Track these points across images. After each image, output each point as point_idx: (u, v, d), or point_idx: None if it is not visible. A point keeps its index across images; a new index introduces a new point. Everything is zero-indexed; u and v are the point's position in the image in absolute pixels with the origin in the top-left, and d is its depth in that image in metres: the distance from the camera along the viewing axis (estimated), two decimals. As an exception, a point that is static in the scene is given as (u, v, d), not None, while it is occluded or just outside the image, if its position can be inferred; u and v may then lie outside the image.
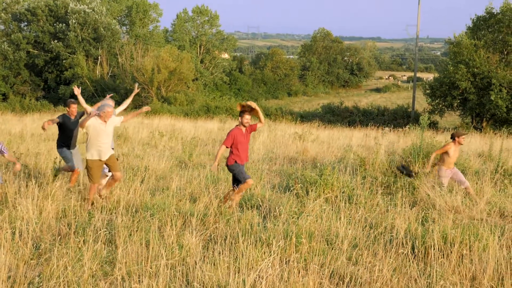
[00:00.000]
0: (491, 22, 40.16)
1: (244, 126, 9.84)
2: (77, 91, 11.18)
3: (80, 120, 10.70)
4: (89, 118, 9.67)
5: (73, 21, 56.63)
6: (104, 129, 9.78)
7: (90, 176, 9.75)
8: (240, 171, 9.77)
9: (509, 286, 6.31)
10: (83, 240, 7.17)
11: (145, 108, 10.46)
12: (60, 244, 7.16)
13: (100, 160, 9.77)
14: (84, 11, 57.24)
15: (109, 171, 10.37)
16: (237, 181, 9.98)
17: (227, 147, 9.83)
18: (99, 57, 58.09)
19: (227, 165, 9.91)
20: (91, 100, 51.80)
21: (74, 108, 11.42)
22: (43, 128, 10.61)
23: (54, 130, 23.22)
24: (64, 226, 8.16)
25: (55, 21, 58.08)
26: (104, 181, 10.63)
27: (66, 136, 11.26)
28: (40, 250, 7.22)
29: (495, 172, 12.93)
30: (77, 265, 6.51)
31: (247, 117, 9.85)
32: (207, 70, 73.86)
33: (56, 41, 56.84)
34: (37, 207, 8.89)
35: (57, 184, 10.03)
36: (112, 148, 10.62)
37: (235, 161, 9.80)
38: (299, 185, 11.07)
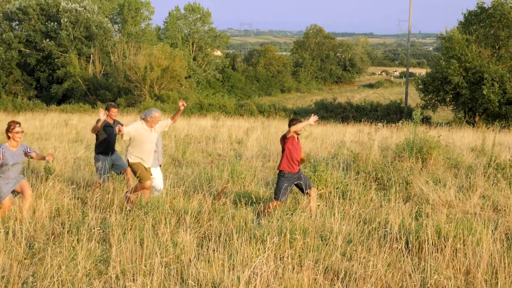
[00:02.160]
0: (482, 17, 40.24)
1: (298, 134, 9.51)
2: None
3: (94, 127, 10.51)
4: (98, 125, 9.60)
5: (65, 19, 56.37)
6: (149, 136, 9.53)
7: (140, 177, 9.46)
8: (280, 188, 9.28)
9: (503, 279, 6.33)
10: (77, 239, 7.16)
11: (182, 104, 10.05)
12: (54, 244, 7.14)
13: (143, 164, 9.54)
14: (75, 10, 56.98)
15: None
16: (300, 189, 9.64)
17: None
18: (92, 56, 57.84)
19: (279, 171, 9.53)
20: (83, 99, 51.67)
21: (114, 112, 11.11)
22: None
23: (48, 130, 23.19)
24: (57, 225, 8.14)
25: (46, 20, 57.80)
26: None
27: (103, 141, 10.86)
28: (34, 250, 7.20)
29: (488, 166, 12.97)
30: (71, 264, 6.49)
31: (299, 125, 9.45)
32: (200, 68, 73.73)
33: (48, 40, 56.57)
34: (31, 207, 8.87)
35: (50, 184, 9.99)
36: (160, 165, 10.52)
37: (289, 171, 9.35)
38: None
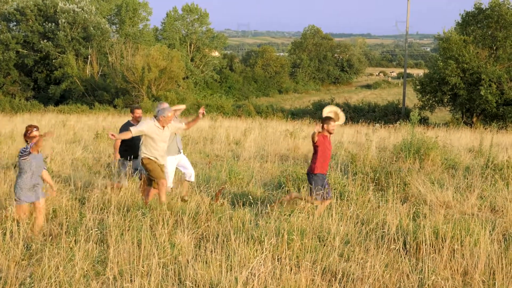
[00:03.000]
0: (480, 17, 40.31)
1: (330, 133, 9.53)
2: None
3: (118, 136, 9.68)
4: (121, 137, 9.44)
5: (63, 20, 56.32)
6: (161, 134, 9.36)
7: (154, 176, 9.26)
8: (318, 188, 9.27)
9: (501, 280, 6.34)
10: (75, 240, 7.15)
11: (201, 112, 9.90)
12: (51, 245, 7.13)
13: (157, 161, 9.39)
14: (73, 10, 56.93)
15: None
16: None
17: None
18: (89, 57, 57.80)
19: (308, 173, 9.49)
20: (81, 100, 51.62)
21: (138, 113, 10.96)
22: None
23: (46, 130, 23.13)
24: (55, 226, 8.13)
25: (44, 21, 57.74)
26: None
27: (128, 144, 10.68)
28: (31, 251, 7.20)
29: (486, 167, 12.99)
30: (68, 265, 6.48)
31: (332, 124, 9.50)
32: (197, 68, 73.70)
33: (45, 40, 56.52)
34: (28, 208, 8.85)
35: (47, 185, 9.97)
36: (180, 151, 10.41)
37: (320, 172, 9.38)
38: (291, 182, 11.09)
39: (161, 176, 9.26)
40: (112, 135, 8.94)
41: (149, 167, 9.31)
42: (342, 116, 9.88)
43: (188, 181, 10.56)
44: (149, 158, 9.32)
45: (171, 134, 9.87)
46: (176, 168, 10.57)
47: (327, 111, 9.95)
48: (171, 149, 10.14)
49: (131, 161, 10.66)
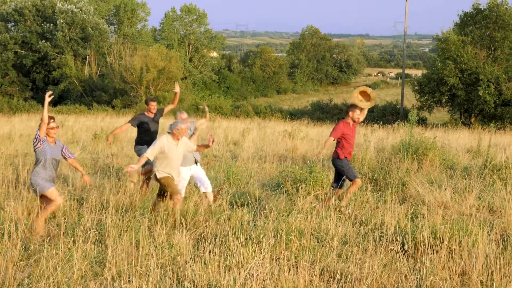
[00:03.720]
0: (478, 18, 40.36)
1: (354, 121, 9.54)
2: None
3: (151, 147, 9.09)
4: (139, 164, 8.94)
5: (61, 20, 56.29)
6: (176, 150, 8.94)
7: (170, 192, 8.86)
8: (350, 168, 9.49)
9: (499, 280, 6.34)
10: (73, 241, 7.15)
11: (211, 141, 9.53)
12: (49, 245, 7.13)
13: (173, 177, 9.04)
14: (71, 11, 56.91)
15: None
16: (339, 178, 9.75)
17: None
18: (87, 57, 57.81)
19: (334, 159, 9.58)
20: (79, 100, 51.59)
21: (153, 106, 10.96)
22: (109, 143, 10.50)
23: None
24: (53, 227, 8.12)
25: (42, 21, 57.72)
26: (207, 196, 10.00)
27: (146, 135, 10.76)
28: (29, 251, 7.18)
29: (484, 168, 13.00)
30: (66, 265, 6.48)
31: (358, 112, 9.51)
32: (196, 69, 73.73)
33: (43, 41, 56.49)
34: (26, 208, 8.85)
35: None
36: (196, 162, 10.10)
37: (345, 156, 9.51)
38: (289, 183, 11.08)
39: (177, 192, 8.92)
40: (131, 167, 8.68)
41: (164, 182, 8.90)
42: (373, 96, 9.70)
43: (205, 192, 10.09)
44: (163, 176, 8.95)
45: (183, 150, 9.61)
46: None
47: (356, 93, 9.80)
48: (187, 160, 9.79)
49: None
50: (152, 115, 10.94)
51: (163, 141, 8.86)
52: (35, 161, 8.32)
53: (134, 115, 11.21)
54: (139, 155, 10.70)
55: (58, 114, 37.94)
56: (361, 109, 9.62)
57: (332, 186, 10.13)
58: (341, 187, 9.83)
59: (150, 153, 8.77)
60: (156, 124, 11.04)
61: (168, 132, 9.01)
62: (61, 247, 6.91)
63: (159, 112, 11.16)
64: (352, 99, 9.60)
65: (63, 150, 8.62)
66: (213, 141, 9.54)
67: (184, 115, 9.89)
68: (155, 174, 8.99)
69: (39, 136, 8.17)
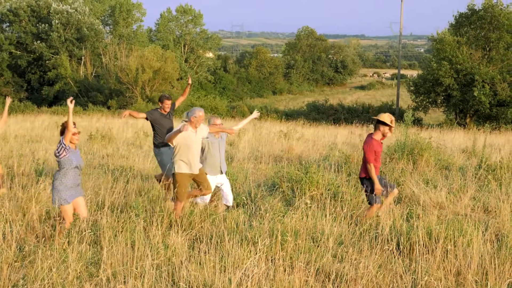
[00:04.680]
0: (473, 19, 40.45)
1: (383, 136, 9.30)
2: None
3: (167, 136, 9.04)
4: (176, 133, 8.69)
5: (56, 21, 56.22)
6: (195, 138, 8.92)
7: (177, 192, 8.83)
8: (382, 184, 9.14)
9: (493, 280, 6.36)
10: (68, 242, 7.13)
11: (230, 130, 9.67)
12: (44, 246, 7.11)
13: (189, 173, 8.93)
14: (67, 11, 56.84)
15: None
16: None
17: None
18: (83, 58, 57.74)
19: (362, 178, 9.26)
20: (75, 101, 51.40)
21: (167, 104, 10.75)
22: (124, 116, 10.25)
23: (38, 132, 23.10)
24: (48, 227, 8.10)
25: (37, 22, 57.62)
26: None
27: (160, 134, 10.59)
28: (24, 252, 7.17)
29: (479, 168, 13.03)
30: (62, 266, 6.46)
31: (388, 128, 9.22)
32: (191, 69, 73.68)
33: (39, 41, 56.40)
34: (21, 209, 8.83)
35: (41, 186, 9.96)
36: (222, 172, 9.85)
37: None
38: (285, 183, 11.09)
39: (183, 198, 8.87)
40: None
41: (178, 180, 8.87)
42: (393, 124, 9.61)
43: (225, 205, 9.85)
44: (180, 172, 8.87)
45: (223, 140, 9.78)
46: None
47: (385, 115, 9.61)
48: (213, 168, 9.66)
49: (172, 148, 10.28)
50: (165, 113, 10.81)
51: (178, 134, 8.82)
52: (59, 171, 7.98)
53: (149, 111, 10.98)
54: (160, 159, 10.54)
55: (53, 115, 37.88)
56: (391, 127, 9.45)
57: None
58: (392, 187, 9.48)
59: (170, 136, 8.80)
60: (170, 121, 10.87)
61: (185, 121, 8.99)
62: (56, 248, 6.90)
63: (172, 108, 10.98)
64: (382, 117, 9.41)
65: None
66: (257, 114, 10.24)
67: (218, 121, 9.81)
68: (173, 167, 8.96)
69: (64, 144, 7.85)
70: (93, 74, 57.94)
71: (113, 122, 29.44)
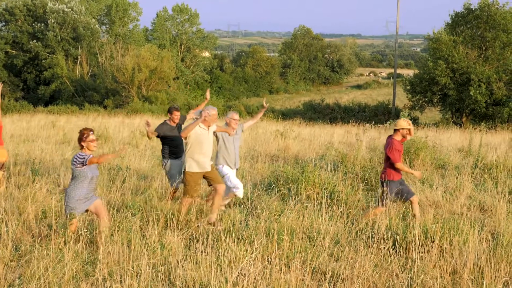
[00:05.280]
0: (469, 18, 40.49)
1: (403, 136, 9.31)
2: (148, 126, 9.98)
3: (183, 127, 9.12)
4: (194, 125, 8.69)
5: (52, 20, 56.12)
6: (207, 136, 8.94)
7: (186, 189, 8.88)
8: (390, 193, 9.07)
9: (489, 279, 6.37)
10: (64, 241, 7.12)
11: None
12: (40, 246, 7.10)
13: (200, 172, 8.94)
14: (63, 11, 56.73)
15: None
16: (401, 196, 9.27)
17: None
18: (79, 57, 57.64)
19: (386, 181, 9.22)
20: (71, 100, 51.41)
21: (176, 115, 10.42)
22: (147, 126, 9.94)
23: (35, 131, 23.06)
24: (44, 227, 8.09)
25: (33, 21, 57.51)
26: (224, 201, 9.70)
27: (169, 145, 10.33)
28: (20, 252, 7.16)
29: (475, 167, 13.06)
30: (58, 266, 6.45)
31: (406, 130, 9.26)
32: (188, 69, 73.60)
33: (35, 41, 56.29)
34: (17, 209, 8.82)
35: (37, 186, 9.94)
36: (235, 167, 9.91)
37: (394, 179, 9.15)
38: (281, 183, 11.09)
39: (190, 194, 8.86)
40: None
41: (188, 178, 8.89)
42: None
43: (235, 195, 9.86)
44: (191, 171, 8.87)
45: (239, 136, 9.88)
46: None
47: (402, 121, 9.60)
48: (228, 162, 9.77)
49: (179, 160, 10.31)
50: (174, 125, 10.50)
51: (195, 127, 8.85)
52: (72, 180, 7.73)
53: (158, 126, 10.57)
54: (168, 170, 10.33)
55: (49, 114, 37.84)
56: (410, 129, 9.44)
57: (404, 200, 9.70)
58: (408, 198, 9.29)
59: (186, 132, 8.74)
60: (178, 133, 10.41)
61: (197, 118, 8.98)
62: (52, 248, 6.89)
63: (182, 120, 10.70)
64: (399, 125, 9.40)
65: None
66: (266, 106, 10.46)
67: (236, 116, 9.82)
68: (184, 165, 8.94)
69: (86, 162, 7.58)
70: (89, 74, 57.86)
71: (109, 122, 29.39)
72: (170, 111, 10.51)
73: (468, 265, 6.71)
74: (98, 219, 7.82)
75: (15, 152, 15.24)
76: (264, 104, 10.66)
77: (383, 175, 9.24)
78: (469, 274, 6.50)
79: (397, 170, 9.16)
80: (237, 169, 10.19)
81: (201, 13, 78.18)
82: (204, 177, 9.08)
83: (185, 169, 8.95)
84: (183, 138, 8.90)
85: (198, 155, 8.86)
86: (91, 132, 7.75)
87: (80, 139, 7.72)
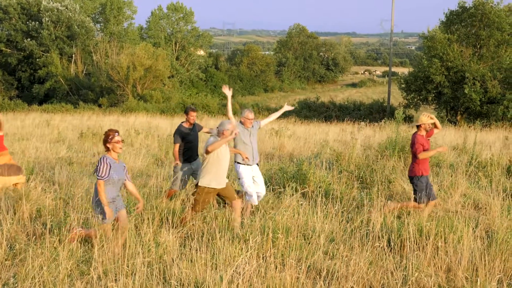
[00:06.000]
0: (464, 16, 40.55)
1: (427, 131, 9.34)
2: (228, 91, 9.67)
3: (208, 144, 8.49)
4: (222, 143, 8.32)
5: (46, 19, 55.91)
6: (226, 151, 8.59)
7: (196, 203, 8.49)
8: (422, 191, 9.11)
9: (483, 276, 6.39)
10: (59, 240, 7.11)
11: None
12: (35, 244, 7.09)
13: (215, 189, 8.53)
14: (57, 9, 56.54)
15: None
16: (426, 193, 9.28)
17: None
18: (73, 55, 57.48)
19: (412, 177, 9.30)
20: (65, 99, 51.28)
21: (192, 116, 10.21)
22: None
23: (29, 130, 22.99)
24: (39, 226, 8.07)
25: (27, 19, 57.31)
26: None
27: (185, 148, 10.12)
28: (14, 251, 7.15)
29: (469, 165, 13.09)
30: (52, 265, 6.45)
31: (429, 124, 9.29)
32: (182, 67, 73.52)
33: (29, 39, 56.10)
34: (12, 207, 8.79)
35: (31, 184, 9.92)
36: (257, 164, 9.79)
37: (422, 173, 9.22)
38: (276, 181, 11.10)
39: (199, 209, 8.54)
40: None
41: (200, 192, 8.51)
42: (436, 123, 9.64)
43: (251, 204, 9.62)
44: (204, 185, 8.47)
45: (255, 131, 9.74)
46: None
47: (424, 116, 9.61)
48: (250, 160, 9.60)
49: (190, 164, 10.22)
50: (190, 126, 10.30)
51: (213, 140, 8.53)
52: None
53: (175, 131, 10.33)
54: (177, 173, 10.14)
55: (43, 113, 37.74)
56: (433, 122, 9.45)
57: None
58: (430, 198, 9.25)
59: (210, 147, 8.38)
60: (195, 135, 10.37)
61: (212, 135, 8.69)
62: (47, 246, 6.87)
63: (198, 126, 10.48)
64: (420, 120, 9.43)
65: (125, 170, 7.73)
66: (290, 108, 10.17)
67: (251, 115, 9.67)
68: (199, 179, 8.52)
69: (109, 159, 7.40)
70: (84, 72, 57.70)
71: (104, 120, 29.34)
72: (186, 112, 10.30)
73: (462, 262, 6.73)
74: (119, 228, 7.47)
75: (10, 151, 15.18)
76: (287, 107, 10.34)
77: (411, 172, 9.34)
78: (463, 272, 6.52)
79: (425, 165, 9.21)
80: (257, 164, 9.93)
81: (196, 11, 78.17)
82: (218, 194, 8.73)
83: (199, 182, 8.53)
84: (205, 154, 8.50)
85: (215, 171, 8.47)
86: (117, 133, 7.47)
87: (106, 141, 7.44)
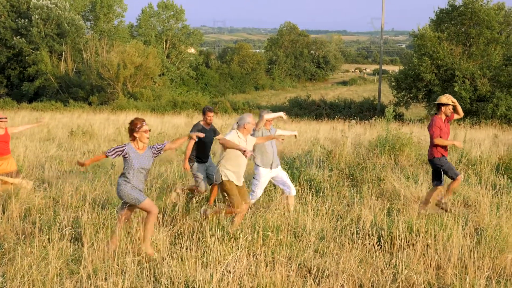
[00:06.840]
0: (454, 14, 40.75)
1: (447, 115, 9.40)
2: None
3: (229, 143, 8.33)
4: (236, 146, 8.13)
5: (36, 16, 55.63)
6: (244, 146, 8.32)
7: (232, 200, 8.19)
8: (450, 166, 9.24)
9: (473, 274, 6.42)
10: (48, 239, 7.07)
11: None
12: (24, 243, 7.05)
13: (236, 184, 8.34)
14: (47, 7, 56.24)
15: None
16: (437, 177, 9.42)
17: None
18: (63, 53, 57.21)
19: (432, 159, 9.35)
20: (55, 97, 51.05)
21: (210, 116, 10.10)
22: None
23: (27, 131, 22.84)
24: (28, 225, 8.03)
25: (17, 17, 57.01)
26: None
27: (198, 147, 9.98)
28: (3, 250, 7.11)
29: (459, 162, 13.15)
30: (42, 264, 6.41)
31: (450, 107, 9.38)
32: (173, 65, 73.33)
33: (18, 37, 55.79)
34: (1, 206, 8.75)
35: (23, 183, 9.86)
36: (273, 166, 9.56)
37: (443, 155, 9.32)
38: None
39: (239, 205, 8.20)
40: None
41: (227, 189, 8.29)
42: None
43: (288, 195, 9.57)
44: (228, 180, 8.29)
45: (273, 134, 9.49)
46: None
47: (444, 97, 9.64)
48: (266, 161, 9.45)
49: (204, 164, 10.13)
50: (208, 127, 10.18)
51: (234, 136, 8.41)
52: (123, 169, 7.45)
53: (192, 128, 10.14)
54: (195, 173, 10.01)
55: (33, 111, 37.56)
56: (452, 106, 9.49)
57: (434, 185, 9.69)
58: (441, 183, 9.48)
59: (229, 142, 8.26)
60: (211, 134, 10.21)
61: (236, 129, 8.59)
62: (36, 245, 6.84)
63: (215, 131, 10.37)
64: (440, 100, 9.48)
65: (156, 149, 7.55)
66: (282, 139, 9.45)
67: (270, 116, 9.50)
68: (220, 175, 8.33)
69: (122, 151, 7.30)
70: (74, 70, 57.43)
71: (94, 118, 29.25)
72: (204, 112, 10.18)
73: (452, 260, 6.76)
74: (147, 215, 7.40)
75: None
76: (295, 135, 10.06)
77: (430, 155, 9.44)
78: (453, 269, 6.55)
79: (443, 147, 9.29)
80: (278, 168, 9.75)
81: (186, 9, 77.90)
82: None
83: (222, 178, 8.31)
84: (222, 148, 8.40)
85: (234, 168, 8.31)
86: (144, 122, 7.34)
87: (133, 130, 7.30)
